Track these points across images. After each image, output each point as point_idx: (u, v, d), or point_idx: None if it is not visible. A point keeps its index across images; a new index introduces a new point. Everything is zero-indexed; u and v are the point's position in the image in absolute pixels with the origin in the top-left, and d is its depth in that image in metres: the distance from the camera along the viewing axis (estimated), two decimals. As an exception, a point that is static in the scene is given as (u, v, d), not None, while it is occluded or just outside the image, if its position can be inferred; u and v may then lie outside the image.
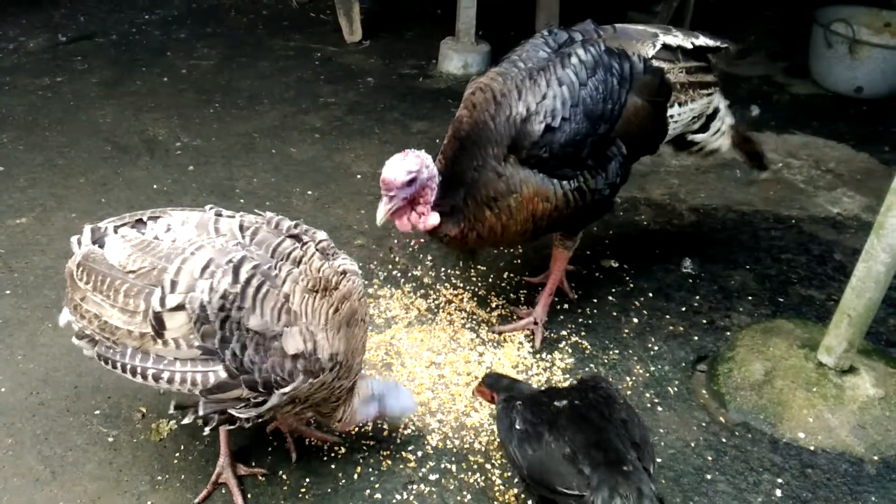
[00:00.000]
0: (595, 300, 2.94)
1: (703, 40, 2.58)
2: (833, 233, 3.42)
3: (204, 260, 1.74)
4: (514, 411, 1.91)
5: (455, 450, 2.29)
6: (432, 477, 2.21)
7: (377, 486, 2.17)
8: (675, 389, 2.55)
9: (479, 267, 3.08)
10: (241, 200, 3.45)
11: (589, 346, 2.70)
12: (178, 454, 2.24)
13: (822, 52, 4.74)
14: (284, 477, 2.18)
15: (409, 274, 3.02)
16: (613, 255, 3.20)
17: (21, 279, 2.90)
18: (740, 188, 3.74)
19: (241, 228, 1.85)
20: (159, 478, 2.17)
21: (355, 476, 2.19)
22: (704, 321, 2.87)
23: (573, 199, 2.38)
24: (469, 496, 2.15)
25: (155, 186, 3.52)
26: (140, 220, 1.92)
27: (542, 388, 2.23)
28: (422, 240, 3.01)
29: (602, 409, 1.87)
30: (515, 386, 2.11)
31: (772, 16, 5.86)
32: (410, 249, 3.15)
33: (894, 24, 4.86)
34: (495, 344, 2.70)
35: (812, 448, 2.34)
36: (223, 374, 1.75)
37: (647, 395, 2.52)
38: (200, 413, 1.81)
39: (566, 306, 2.90)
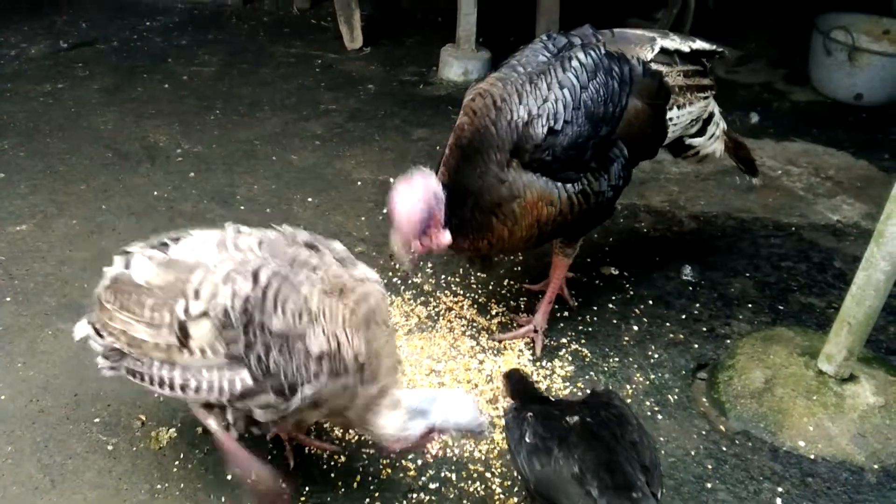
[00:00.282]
0: (595, 308, 2.94)
1: (699, 44, 2.60)
2: (833, 240, 3.42)
3: (225, 269, 1.78)
4: (524, 423, 1.90)
5: (455, 458, 2.29)
6: (432, 486, 2.20)
7: (377, 494, 2.17)
8: (676, 397, 2.55)
9: (479, 274, 3.08)
10: (242, 207, 3.45)
11: (589, 354, 2.70)
12: (177, 462, 2.24)
13: (821, 59, 4.74)
14: (284, 486, 2.18)
15: (409, 281, 3.02)
16: (613, 262, 3.20)
17: (21, 286, 2.90)
18: (740, 195, 3.74)
19: (260, 243, 1.88)
20: (159, 486, 2.16)
21: (355, 485, 2.19)
22: (704, 329, 2.87)
23: (577, 202, 2.39)
24: (469, 505, 2.16)
25: (156, 193, 3.53)
26: (164, 243, 1.96)
27: (555, 400, 2.20)
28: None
29: (614, 428, 1.84)
30: (531, 395, 2.10)
31: (772, 23, 5.87)
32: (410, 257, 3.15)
33: (894, 32, 4.87)
34: (495, 351, 2.70)
35: (812, 457, 2.34)
36: (249, 381, 1.76)
37: (648, 403, 2.52)
38: (230, 419, 1.83)
39: (566, 314, 2.90)
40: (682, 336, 2.82)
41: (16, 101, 4.28)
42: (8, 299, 2.84)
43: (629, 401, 2.51)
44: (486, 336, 2.76)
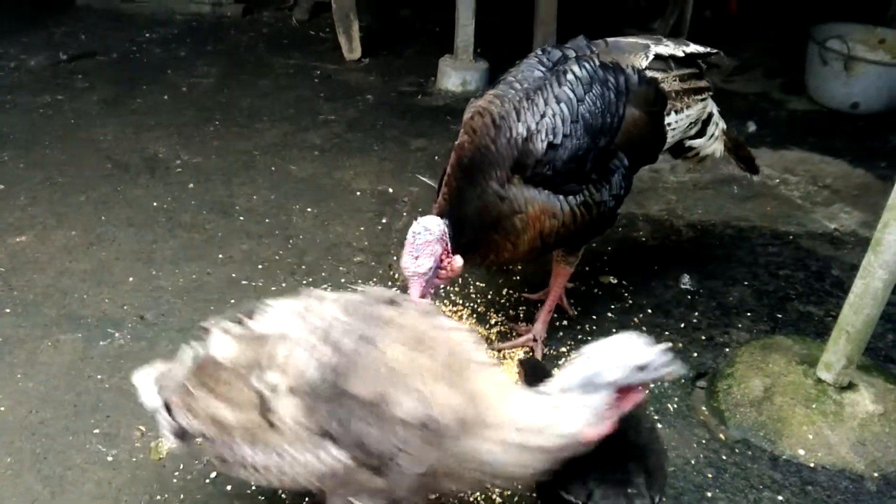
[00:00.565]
0: (594, 316, 2.94)
1: (693, 48, 2.63)
2: (830, 249, 3.43)
3: (309, 340, 1.62)
4: None
5: (455, 468, 2.29)
6: (431, 495, 2.20)
7: (377, 504, 2.16)
8: (675, 406, 2.55)
9: (478, 283, 3.09)
10: (241, 218, 3.46)
11: (588, 363, 2.70)
12: (177, 474, 2.23)
13: (817, 68, 4.77)
14: (283, 496, 2.18)
15: (408, 292, 3.02)
16: (612, 271, 3.21)
17: (21, 297, 2.91)
18: (738, 204, 3.76)
19: (344, 309, 1.71)
20: (158, 497, 2.16)
21: (355, 495, 2.19)
22: (703, 337, 2.87)
23: (580, 214, 2.40)
24: (469, 514, 2.15)
25: (155, 204, 3.54)
26: (244, 317, 1.80)
27: None
28: None
29: (624, 426, 1.72)
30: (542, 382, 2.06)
31: (768, 33, 5.91)
32: (410, 266, 3.15)
33: (889, 41, 4.90)
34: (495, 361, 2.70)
35: (812, 465, 2.34)
36: (340, 456, 1.56)
37: (647, 411, 2.52)
38: None
39: (565, 323, 2.90)
40: (680, 345, 2.82)
41: (15, 113, 4.30)
42: (7, 310, 2.84)
43: (629, 410, 2.52)
44: (486, 345, 2.77)
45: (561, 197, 2.37)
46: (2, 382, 2.52)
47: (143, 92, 4.65)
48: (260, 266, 3.14)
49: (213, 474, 2.23)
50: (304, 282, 3.05)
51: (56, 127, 4.17)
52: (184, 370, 1.77)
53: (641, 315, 2.96)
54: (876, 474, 2.31)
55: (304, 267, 3.15)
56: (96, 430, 2.36)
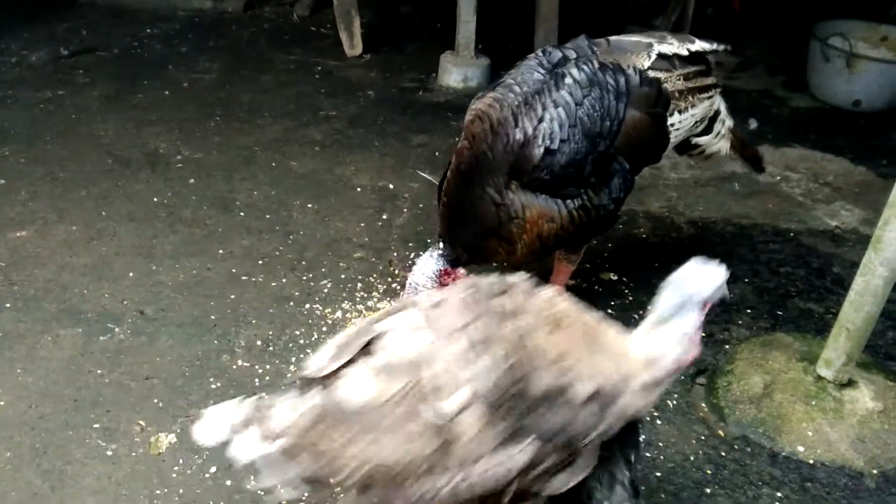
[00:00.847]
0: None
1: (698, 45, 2.57)
2: (831, 246, 3.43)
3: (456, 351, 1.53)
4: None
5: (454, 463, 2.29)
6: (431, 491, 2.20)
7: (376, 500, 2.16)
8: (675, 403, 2.55)
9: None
10: (242, 213, 3.46)
11: (588, 360, 2.70)
12: (176, 468, 2.24)
13: (820, 65, 4.76)
14: (283, 492, 2.18)
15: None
16: (612, 268, 3.21)
17: (21, 292, 2.91)
18: (739, 201, 3.75)
19: (462, 307, 1.63)
20: (158, 492, 2.16)
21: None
22: (703, 334, 2.85)
23: (578, 217, 2.39)
24: (468, 510, 2.15)
25: (156, 199, 3.54)
26: (359, 353, 1.61)
27: None
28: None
29: None
30: None
31: (770, 30, 5.89)
32: (410, 262, 3.15)
33: (891, 38, 4.89)
34: (494, 357, 2.69)
35: (811, 462, 2.34)
36: (529, 449, 1.52)
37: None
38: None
39: (565, 319, 2.90)
40: (681, 341, 2.81)
41: (16, 108, 4.29)
42: (7, 305, 2.84)
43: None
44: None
45: (559, 201, 2.36)
46: (1, 377, 2.52)
47: (145, 87, 4.65)
48: (260, 262, 3.15)
49: (213, 469, 2.23)
50: (304, 277, 3.05)
51: (57, 122, 4.17)
52: (297, 431, 1.53)
53: (642, 311, 2.96)
54: (875, 471, 2.31)
55: (304, 263, 3.15)
56: (96, 425, 2.37)
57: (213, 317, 2.83)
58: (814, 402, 2.45)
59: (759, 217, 3.63)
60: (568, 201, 2.37)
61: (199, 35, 5.51)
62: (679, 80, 2.49)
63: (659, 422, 2.47)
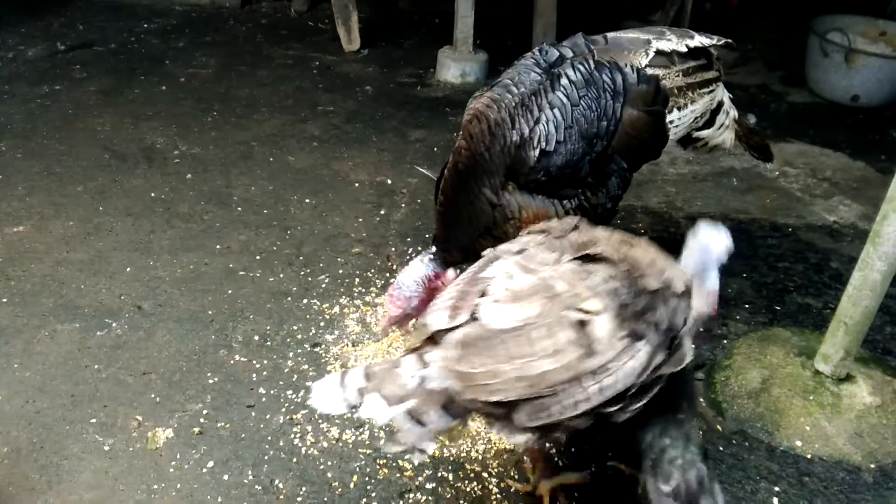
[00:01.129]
0: (592, 308, 2.93)
1: (698, 40, 2.54)
2: (830, 241, 3.43)
3: (570, 272, 1.67)
4: None
5: (452, 458, 2.29)
6: (429, 486, 2.20)
7: (373, 494, 2.17)
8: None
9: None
10: (239, 208, 3.45)
11: (586, 355, 2.70)
12: (174, 463, 2.23)
13: (818, 61, 4.76)
14: (280, 486, 2.18)
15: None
16: (610, 263, 3.20)
17: (18, 287, 2.90)
18: (737, 196, 3.75)
19: (552, 250, 1.79)
20: (155, 486, 2.16)
21: (352, 485, 2.19)
22: (701, 329, 2.86)
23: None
24: (466, 505, 2.16)
25: (153, 194, 3.53)
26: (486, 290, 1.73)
27: None
28: None
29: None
30: None
31: (769, 25, 5.89)
32: (408, 258, 3.15)
33: (890, 34, 4.89)
34: (492, 352, 2.69)
35: (809, 456, 2.34)
36: (645, 349, 1.62)
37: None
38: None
39: (563, 314, 2.90)
40: (679, 336, 2.81)
41: (13, 103, 4.28)
42: (4, 300, 2.83)
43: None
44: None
45: (556, 201, 2.36)
46: (-1, 372, 2.52)
47: (141, 82, 4.64)
48: (258, 256, 3.14)
49: (210, 464, 2.23)
50: (302, 272, 3.05)
51: (54, 117, 4.16)
52: (447, 359, 1.61)
53: (639, 307, 2.96)
54: (872, 466, 2.31)
55: (301, 258, 3.14)
56: (93, 420, 2.36)
57: (210, 312, 2.83)
58: (812, 397, 2.45)
59: (758, 212, 3.63)
60: (565, 202, 2.37)
61: (196, 30, 5.50)
62: (678, 76, 2.47)
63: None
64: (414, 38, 5.57)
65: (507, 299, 1.65)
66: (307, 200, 3.55)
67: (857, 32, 4.77)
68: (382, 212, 3.49)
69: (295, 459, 2.26)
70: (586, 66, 2.34)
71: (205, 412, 2.41)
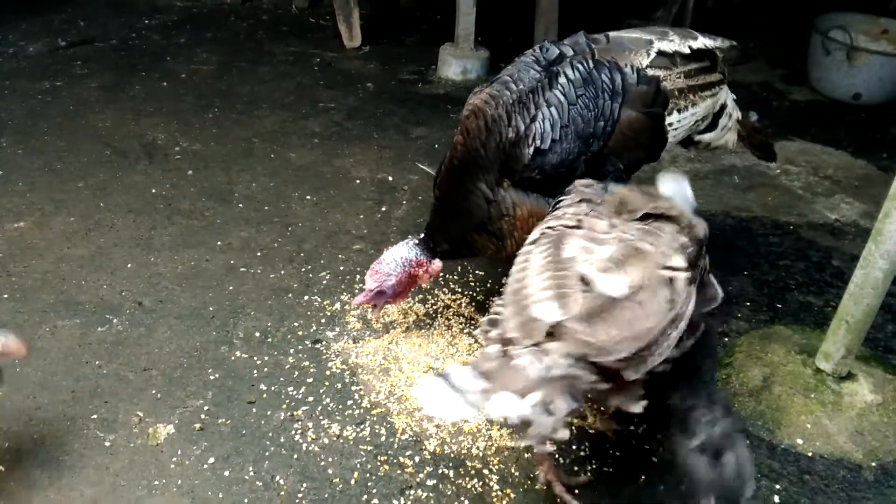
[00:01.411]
0: (593, 306, 2.93)
1: (701, 41, 2.51)
2: (831, 239, 3.42)
3: (639, 236, 1.86)
4: None
5: (453, 455, 2.29)
6: (430, 482, 2.20)
7: (374, 491, 2.17)
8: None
9: (477, 272, 3.08)
10: (240, 205, 3.45)
11: (587, 352, 2.70)
12: (174, 459, 2.23)
13: (820, 58, 4.75)
14: (281, 482, 2.18)
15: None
16: (612, 260, 3.19)
17: (19, 283, 2.90)
18: (738, 194, 3.75)
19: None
20: (156, 482, 2.16)
21: (352, 481, 2.19)
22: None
23: None
24: (466, 501, 2.15)
25: (154, 191, 3.52)
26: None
27: None
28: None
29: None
30: None
31: (770, 23, 5.88)
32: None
33: (892, 31, 4.88)
34: (493, 349, 2.69)
35: (810, 454, 2.34)
36: (695, 293, 1.79)
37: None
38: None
39: (564, 312, 2.89)
40: (680, 334, 2.81)
41: (14, 99, 4.28)
42: (5, 296, 2.83)
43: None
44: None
45: (550, 199, 2.35)
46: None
47: (142, 78, 4.63)
48: (259, 253, 3.14)
49: (211, 460, 2.23)
50: (303, 269, 3.05)
51: (55, 113, 4.16)
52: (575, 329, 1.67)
53: (641, 304, 2.95)
54: (874, 464, 2.31)
55: (302, 254, 3.14)
56: (94, 416, 2.36)
57: (211, 308, 2.83)
58: (813, 395, 2.44)
59: (759, 210, 3.62)
60: None
61: (198, 26, 5.49)
62: (680, 77, 2.43)
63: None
64: (415, 34, 5.56)
65: (611, 269, 1.75)
66: (308, 197, 3.55)
67: (860, 30, 4.76)
68: (384, 209, 3.48)
69: (296, 456, 2.26)
70: (585, 65, 2.33)
71: (206, 408, 2.41)
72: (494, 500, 2.16)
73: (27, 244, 3.12)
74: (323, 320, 2.79)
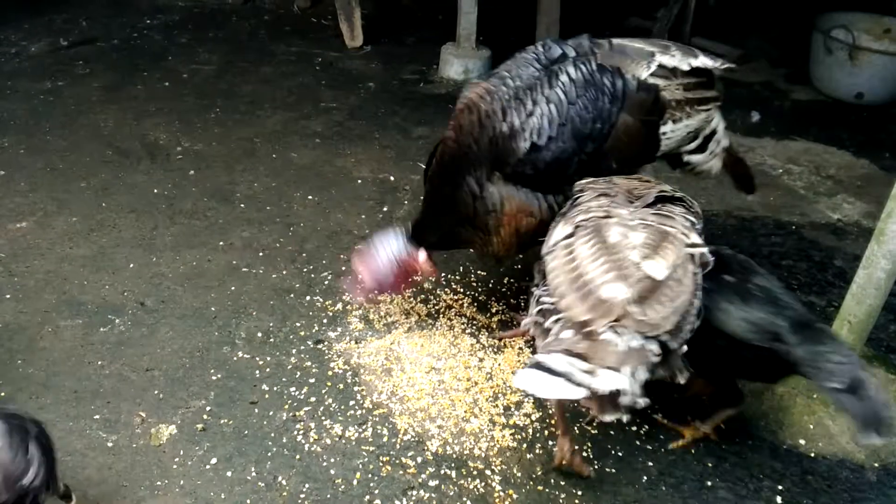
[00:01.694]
0: (595, 306, 2.93)
1: (701, 60, 2.49)
2: (833, 239, 3.42)
3: (660, 220, 2.06)
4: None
5: (455, 455, 2.29)
6: (432, 483, 2.20)
7: (376, 491, 2.17)
8: (676, 395, 2.55)
9: (479, 272, 3.08)
10: (242, 205, 3.45)
11: (589, 352, 2.70)
12: (177, 459, 2.24)
13: (822, 58, 4.74)
14: (283, 482, 2.18)
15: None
16: (614, 260, 3.19)
17: (21, 283, 2.90)
18: (740, 194, 3.70)
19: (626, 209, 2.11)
20: (159, 483, 2.16)
21: (355, 482, 2.19)
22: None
23: (558, 210, 2.37)
24: (469, 502, 2.15)
25: (156, 191, 3.53)
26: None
27: None
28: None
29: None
30: None
31: (772, 22, 5.86)
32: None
33: (894, 31, 4.87)
34: (495, 349, 2.69)
35: (812, 454, 2.34)
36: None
37: (648, 401, 2.51)
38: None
39: (566, 312, 2.89)
40: (682, 334, 2.81)
41: (16, 99, 4.28)
42: (8, 296, 2.84)
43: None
44: (486, 334, 2.76)
45: (539, 195, 2.35)
46: (2, 368, 2.52)
47: (144, 78, 4.64)
48: (260, 253, 3.14)
49: (213, 460, 2.23)
50: (305, 269, 3.05)
51: (57, 113, 4.16)
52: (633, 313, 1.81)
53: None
54: (876, 464, 2.31)
55: (304, 254, 3.14)
56: (96, 416, 2.37)
57: (213, 308, 2.83)
58: (815, 396, 2.44)
59: (761, 210, 3.62)
60: (549, 196, 2.36)
61: (199, 26, 5.49)
62: (678, 88, 2.42)
63: (660, 414, 2.47)
64: (417, 34, 5.56)
65: (652, 254, 1.92)
66: (310, 197, 3.55)
67: (862, 30, 4.75)
68: (385, 208, 3.48)
69: (298, 456, 2.26)
70: (588, 66, 2.34)
71: (208, 409, 2.41)
72: (496, 500, 2.16)
73: (29, 244, 3.12)
74: (325, 321, 2.79)
